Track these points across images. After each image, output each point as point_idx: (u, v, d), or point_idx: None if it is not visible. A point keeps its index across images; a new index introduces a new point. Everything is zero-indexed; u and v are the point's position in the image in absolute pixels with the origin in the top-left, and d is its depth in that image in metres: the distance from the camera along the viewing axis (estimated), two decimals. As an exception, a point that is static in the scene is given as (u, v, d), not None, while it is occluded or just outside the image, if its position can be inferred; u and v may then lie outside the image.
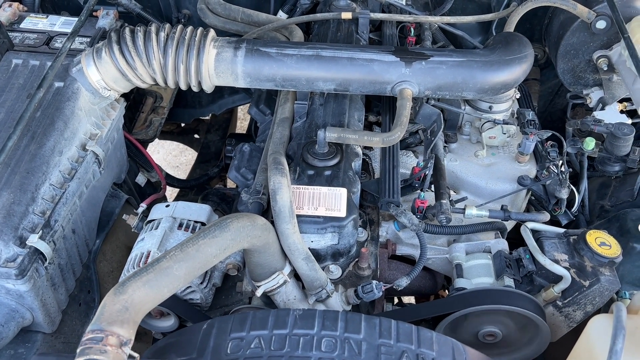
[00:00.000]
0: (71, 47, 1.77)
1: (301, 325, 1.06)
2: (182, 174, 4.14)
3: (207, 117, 3.08)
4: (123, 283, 1.05)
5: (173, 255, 1.10)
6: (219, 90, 2.67)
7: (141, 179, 2.20)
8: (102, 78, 1.52)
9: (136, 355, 1.01)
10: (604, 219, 1.76)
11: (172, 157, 4.40)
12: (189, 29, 1.52)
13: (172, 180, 2.35)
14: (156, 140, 3.82)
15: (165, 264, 1.09)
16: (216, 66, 1.50)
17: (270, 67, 1.50)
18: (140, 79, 1.53)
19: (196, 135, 3.19)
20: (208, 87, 1.55)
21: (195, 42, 1.49)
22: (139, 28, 1.50)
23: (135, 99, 2.32)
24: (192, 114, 2.76)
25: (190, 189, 2.58)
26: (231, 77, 1.52)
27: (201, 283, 1.42)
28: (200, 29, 1.52)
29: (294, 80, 1.51)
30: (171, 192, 3.02)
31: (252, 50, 1.50)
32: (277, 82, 1.52)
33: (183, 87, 1.54)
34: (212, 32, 1.53)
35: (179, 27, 1.52)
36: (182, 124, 3.15)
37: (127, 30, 1.49)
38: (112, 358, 0.95)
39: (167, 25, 1.52)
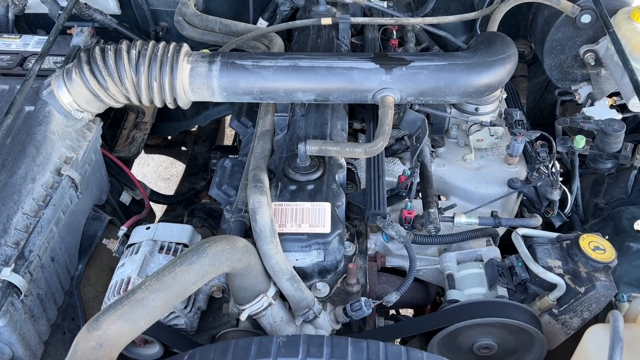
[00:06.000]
0: (45, 67, 1.74)
1: (285, 353, 1.01)
2: (172, 185, 4.08)
3: (193, 129, 3.03)
4: (97, 318, 1.01)
5: (149, 285, 1.06)
6: (203, 102, 2.62)
7: (125, 198, 2.15)
8: (74, 100, 1.47)
9: (113, 393, 0.97)
10: (598, 218, 1.72)
11: (163, 169, 4.35)
12: (161, 44, 1.47)
13: (157, 197, 2.30)
14: (144, 154, 3.78)
15: (140, 295, 1.04)
16: (191, 82, 1.46)
17: (247, 80, 1.45)
18: (113, 99, 1.48)
19: (183, 148, 3.14)
20: (184, 104, 1.51)
21: (168, 58, 1.44)
22: (109, 47, 1.45)
23: (116, 116, 2.27)
24: (177, 126, 2.70)
25: (178, 204, 2.53)
26: (207, 92, 1.47)
27: (185, 308, 1.37)
28: (173, 44, 1.48)
29: (272, 92, 1.47)
30: (161, 205, 2.97)
31: (227, 64, 1.45)
32: (254, 95, 1.47)
33: (158, 104, 1.50)
34: (185, 47, 1.49)
35: (151, 43, 1.47)
36: (169, 137, 3.10)
37: (97, 50, 1.44)
38: (85, 400, 0.90)
39: (139, 42, 1.47)
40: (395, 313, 1.79)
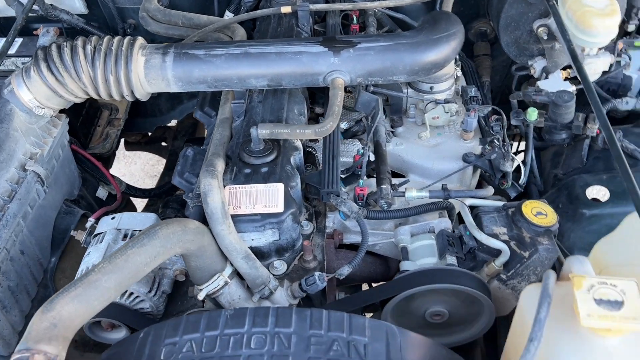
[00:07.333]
0: (10, 69, 1.79)
1: (232, 325, 1.06)
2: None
3: (172, 124, 3.07)
4: (51, 300, 1.06)
5: (101, 267, 1.11)
6: (178, 97, 2.67)
7: (102, 193, 2.19)
8: (34, 97, 1.51)
9: (69, 370, 1.02)
10: (555, 188, 1.77)
11: (150, 166, 4.41)
12: (116, 39, 1.51)
13: (133, 191, 2.35)
14: (132, 151, 3.82)
15: (93, 277, 1.09)
16: (146, 74, 1.50)
17: (200, 69, 1.49)
18: (72, 95, 1.52)
19: (163, 143, 3.18)
20: (142, 96, 1.55)
21: (123, 52, 1.48)
22: (65, 43, 1.49)
23: (89, 113, 2.32)
24: (153, 122, 2.75)
25: (158, 198, 2.58)
26: (163, 83, 1.51)
27: (149, 291, 1.42)
28: (127, 38, 1.52)
29: (225, 80, 1.51)
30: (142, 202, 3.02)
31: (180, 54, 1.49)
32: (209, 84, 1.52)
33: (117, 97, 1.54)
34: (139, 40, 1.53)
35: (106, 38, 1.51)
36: (149, 133, 3.14)
37: (53, 47, 1.49)
38: (38, 376, 0.95)
39: (94, 37, 1.51)
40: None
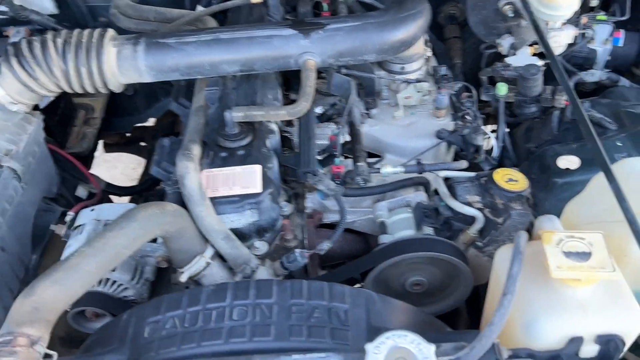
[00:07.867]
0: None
1: (214, 299, 1.08)
2: (141, 185, 4.11)
3: (150, 124, 3.07)
4: (32, 285, 1.07)
5: (81, 251, 1.12)
6: (154, 94, 2.67)
7: (82, 192, 2.19)
8: (7, 93, 1.51)
9: (53, 353, 1.03)
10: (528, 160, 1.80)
11: (130, 169, 4.38)
12: (86, 31, 1.52)
13: (114, 189, 2.34)
14: (113, 155, 3.80)
15: (73, 261, 1.10)
16: (119, 65, 1.51)
17: (172, 57, 1.50)
18: (45, 88, 1.53)
19: (142, 143, 3.17)
20: (115, 87, 1.56)
21: (94, 44, 1.49)
22: (35, 38, 1.50)
23: (65, 113, 2.31)
24: (131, 121, 2.75)
25: (139, 195, 2.58)
26: (135, 73, 1.52)
27: (132, 279, 1.43)
28: (98, 30, 1.53)
29: (197, 67, 1.52)
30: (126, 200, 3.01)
31: (151, 44, 1.50)
32: (181, 72, 1.53)
33: (90, 90, 1.54)
34: (110, 32, 1.53)
35: (76, 31, 1.52)
36: (128, 134, 3.13)
37: (23, 42, 1.49)
38: (22, 357, 0.96)
39: (64, 31, 1.52)
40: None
